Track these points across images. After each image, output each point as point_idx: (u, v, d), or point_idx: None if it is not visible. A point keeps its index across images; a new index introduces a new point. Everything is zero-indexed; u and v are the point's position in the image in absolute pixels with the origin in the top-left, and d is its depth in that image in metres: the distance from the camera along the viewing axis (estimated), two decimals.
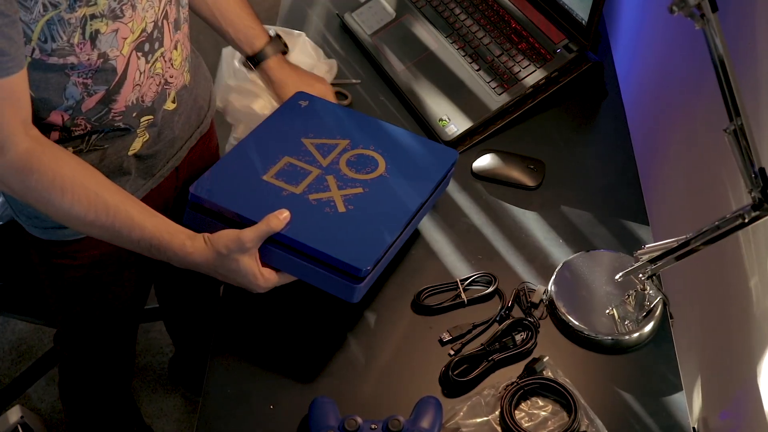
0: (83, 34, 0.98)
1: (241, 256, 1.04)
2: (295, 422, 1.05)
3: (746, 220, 0.92)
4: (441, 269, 1.22)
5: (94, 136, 1.11)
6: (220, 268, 1.05)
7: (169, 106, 1.20)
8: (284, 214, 1.06)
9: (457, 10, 1.55)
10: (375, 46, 1.55)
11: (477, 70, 1.46)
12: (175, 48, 1.15)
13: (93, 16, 0.98)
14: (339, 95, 1.49)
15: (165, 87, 1.16)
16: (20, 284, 2.19)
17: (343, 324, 1.16)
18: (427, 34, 1.54)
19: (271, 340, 1.15)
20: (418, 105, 1.44)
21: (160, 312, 1.89)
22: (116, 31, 1.02)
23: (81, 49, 0.99)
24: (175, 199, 1.33)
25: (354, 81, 1.52)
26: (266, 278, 1.07)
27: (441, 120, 1.41)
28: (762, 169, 0.88)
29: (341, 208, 1.11)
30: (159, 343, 2.14)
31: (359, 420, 1.00)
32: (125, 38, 1.04)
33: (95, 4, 0.97)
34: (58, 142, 1.08)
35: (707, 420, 1.23)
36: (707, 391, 1.26)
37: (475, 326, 1.14)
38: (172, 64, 1.16)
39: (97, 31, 0.99)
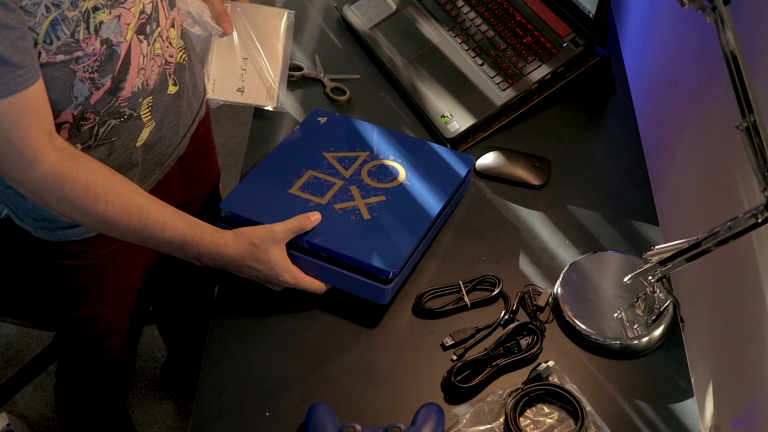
0: (87, 28, 1.00)
1: (272, 246, 1.12)
2: (292, 430, 1.05)
3: (759, 220, 0.92)
4: (443, 271, 1.22)
5: (101, 130, 1.12)
6: (249, 259, 1.12)
7: (171, 89, 1.22)
8: (316, 216, 1.17)
9: (460, 2, 1.55)
10: (375, 39, 1.55)
11: (480, 65, 1.46)
12: (172, 26, 1.17)
13: (95, 9, 1.00)
14: (337, 91, 1.49)
15: (165, 67, 1.18)
16: (10, 287, 2.20)
17: (341, 328, 1.16)
18: (429, 27, 1.54)
19: (266, 344, 1.15)
20: (420, 101, 1.44)
21: (153, 315, 1.89)
22: (119, 17, 1.03)
23: (87, 43, 1.01)
24: (180, 191, 1.36)
25: (353, 76, 1.52)
26: (293, 273, 1.14)
27: (443, 117, 1.41)
28: None
29: (366, 216, 1.20)
30: (151, 348, 2.14)
31: (358, 427, 1.00)
32: (128, 24, 1.05)
33: None
34: (66, 140, 1.09)
35: (719, 428, 1.23)
36: (719, 397, 1.26)
37: (478, 330, 1.14)
38: (170, 43, 1.18)
39: (101, 23, 1.01)
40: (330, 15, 1.65)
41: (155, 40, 1.13)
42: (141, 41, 1.09)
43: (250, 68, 1.41)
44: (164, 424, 2.03)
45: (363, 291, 1.15)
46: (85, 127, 1.10)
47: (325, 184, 1.24)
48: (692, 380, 1.09)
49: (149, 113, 1.18)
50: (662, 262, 1.08)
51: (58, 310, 1.39)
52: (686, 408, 1.06)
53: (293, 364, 1.13)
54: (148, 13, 1.09)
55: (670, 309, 1.13)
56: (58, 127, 1.08)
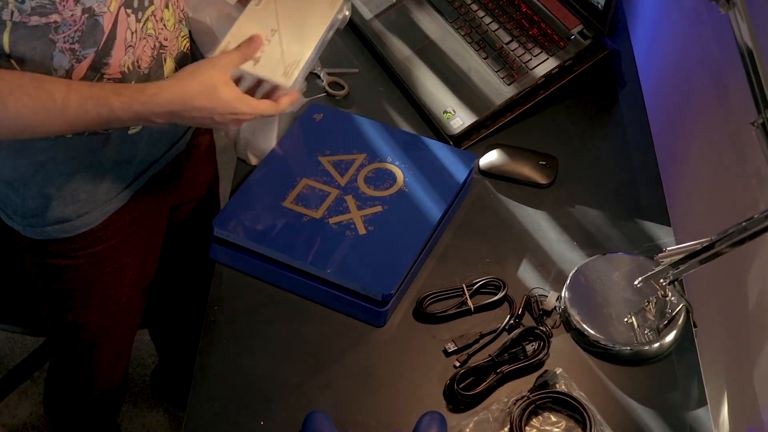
0: None
1: (219, 74, 1.07)
2: None
3: None
4: (444, 273, 1.22)
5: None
6: (198, 98, 1.06)
7: (170, 75, 1.20)
8: (256, 41, 1.12)
9: None
10: (375, 32, 1.55)
11: (484, 59, 1.46)
12: (167, 7, 1.16)
13: None
14: (335, 85, 1.49)
15: (161, 51, 1.17)
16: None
17: (339, 332, 1.16)
18: (431, 19, 1.54)
19: (261, 349, 1.15)
20: (421, 96, 1.44)
21: (144, 320, 1.89)
22: None
23: (63, 6, 0.99)
24: (177, 190, 1.33)
25: (352, 70, 1.52)
26: (248, 101, 1.09)
27: (445, 112, 1.41)
28: None
29: (361, 230, 1.20)
30: (141, 354, 2.14)
31: None
32: None
33: None
34: None
35: None
36: (733, 405, 1.26)
37: (482, 336, 1.14)
38: (164, 25, 1.17)
39: None
40: None
41: (147, 18, 1.12)
42: (129, 15, 1.08)
43: (275, 41, 1.29)
44: None
45: (359, 314, 1.16)
46: None
47: (320, 195, 1.25)
48: (705, 387, 1.09)
49: None
50: (674, 265, 1.08)
51: (47, 312, 1.39)
52: (699, 417, 1.06)
53: (289, 369, 1.13)
54: None
55: (683, 313, 1.13)
56: None
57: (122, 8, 1.06)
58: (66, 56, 1.04)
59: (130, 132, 1.18)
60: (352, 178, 1.27)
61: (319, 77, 1.51)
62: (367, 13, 1.58)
